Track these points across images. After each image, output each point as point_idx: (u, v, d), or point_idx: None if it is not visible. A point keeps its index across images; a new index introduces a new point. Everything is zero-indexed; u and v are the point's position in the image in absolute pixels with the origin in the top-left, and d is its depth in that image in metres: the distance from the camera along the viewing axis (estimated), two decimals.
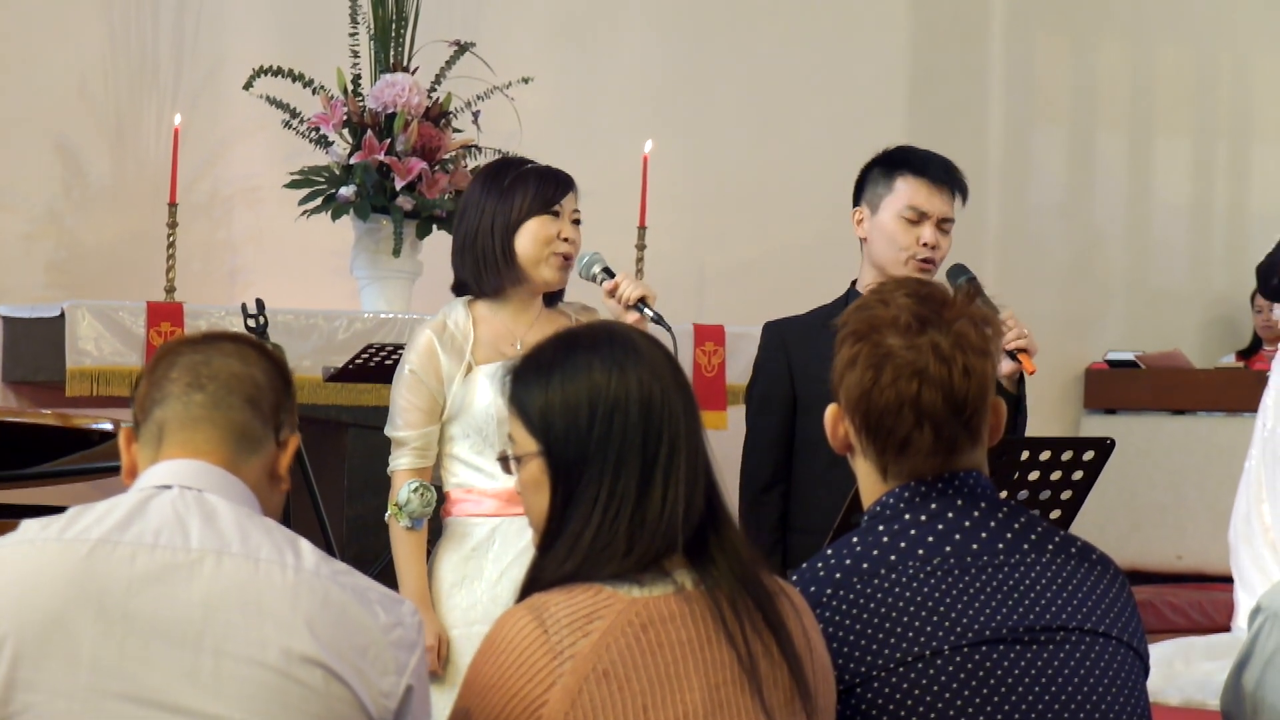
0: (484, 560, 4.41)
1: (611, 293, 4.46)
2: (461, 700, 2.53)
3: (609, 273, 4.50)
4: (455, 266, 4.51)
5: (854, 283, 4.79)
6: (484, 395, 4.38)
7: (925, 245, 4.64)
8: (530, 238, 4.40)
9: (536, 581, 2.56)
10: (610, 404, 2.57)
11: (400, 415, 4.43)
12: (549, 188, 4.44)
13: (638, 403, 2.57)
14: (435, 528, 4.49)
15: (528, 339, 4.44)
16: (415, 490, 4.37)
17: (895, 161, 4.72)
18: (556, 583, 2.52)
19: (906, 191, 4.66)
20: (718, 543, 2.58)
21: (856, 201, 4.77)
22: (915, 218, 4.65)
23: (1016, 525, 2.79)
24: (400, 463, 4.43)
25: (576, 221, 4.48)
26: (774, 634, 2.54)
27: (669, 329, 4.36)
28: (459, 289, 4.53)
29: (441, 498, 4.45)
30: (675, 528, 2.54)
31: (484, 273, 4.43)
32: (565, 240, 4.43)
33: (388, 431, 4.46)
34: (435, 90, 7.13)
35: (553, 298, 4.55)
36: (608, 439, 2.56)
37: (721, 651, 2.51)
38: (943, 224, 4.68)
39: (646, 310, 4.44)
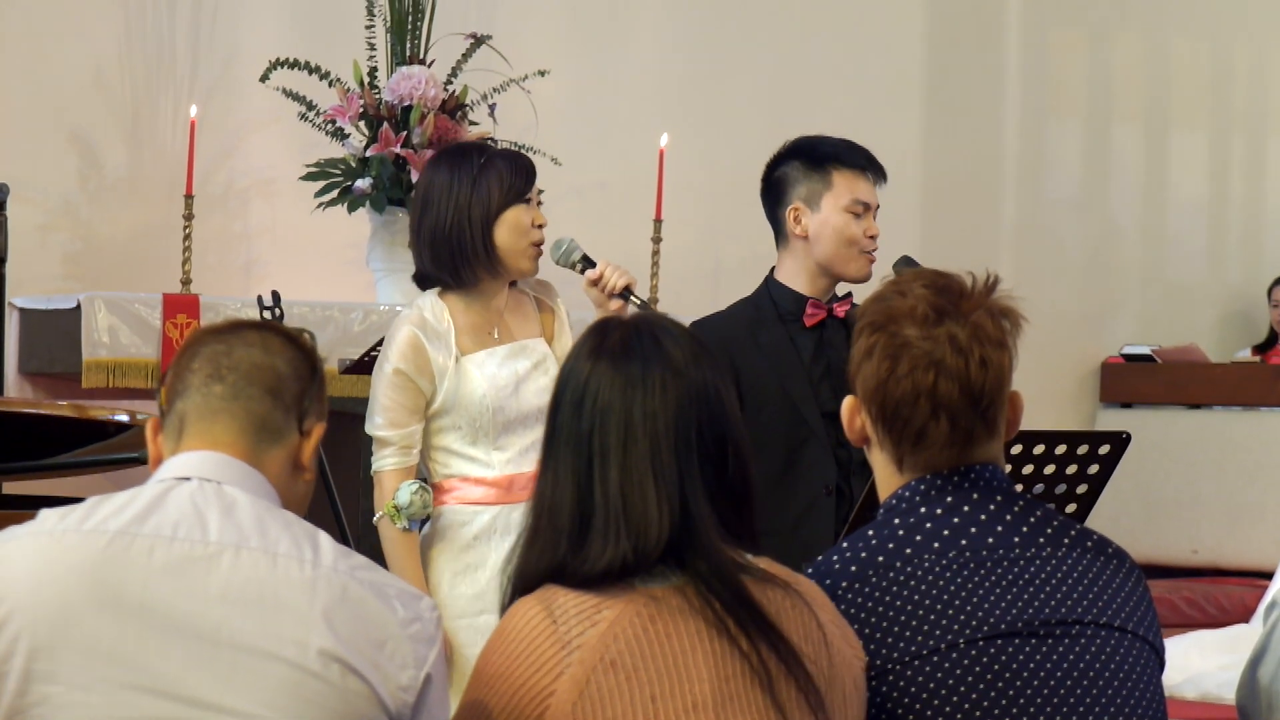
0: (487, 548, 4.36)
1: (595, 282, 4.39)
2: (471, 690, 2.53)
3: (589, 261, 4.43)
4: (423, 259, 4.41)
5: (772, 270, 4.72)
6: (479, 386, 4.34)
7: (871, 238, 4.59)
8: (509, 228, 4.34)
9: (521, 561, 2.57)
10: (559, 394, 2.58)
11: (382, 414, 4.35)
12: (520, 178, 4.38)
13: (584, 400, 2.57)
14: None
15: (505, 324, 4.42)
16: (416, 491, 4.31)
17: (820, 156, 4.62)
18: (536, 565, 2.54)
19: (846, 185, 4.58)
20: (694, 547, 2.54)
21: (779, 199, 4.66)
22: (860, 210, 4.58)
23: (1032, 519, 2.79)
24: (386, 463, 4.37)
25: (540, 204, 4.44)
26: (764, 633, 2.51)
27: None
28: (424, 281, 4.45)
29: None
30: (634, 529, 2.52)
31: (463, 266, 4.35)
32: (539, 228, 4.38)
33: (369, 430, 4.38)
34: (451, 83, 7.13)
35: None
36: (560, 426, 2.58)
37: (730, 643, 2.50)
38: (875, 212, 4.63)
39: (633, 298, 4.38)
